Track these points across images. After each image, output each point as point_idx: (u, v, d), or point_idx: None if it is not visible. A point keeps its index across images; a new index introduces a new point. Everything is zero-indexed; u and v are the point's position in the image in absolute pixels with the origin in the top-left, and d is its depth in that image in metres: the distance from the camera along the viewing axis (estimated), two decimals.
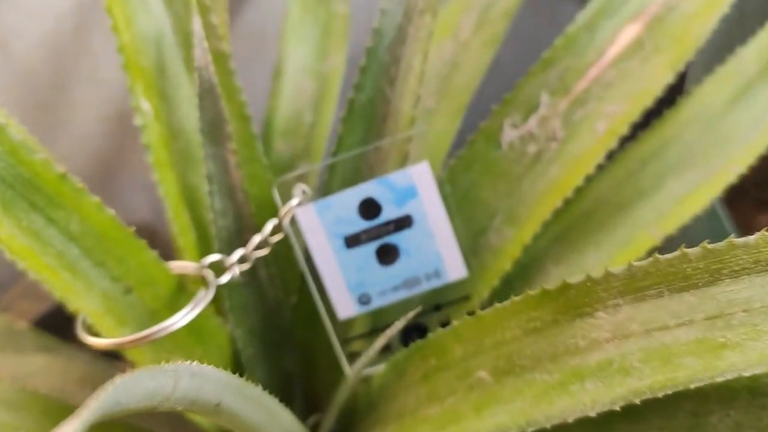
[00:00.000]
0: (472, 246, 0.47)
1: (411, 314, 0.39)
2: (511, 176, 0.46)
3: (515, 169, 0.46)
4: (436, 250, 0.44)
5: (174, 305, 0.43)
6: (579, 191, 0.46)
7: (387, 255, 0.44)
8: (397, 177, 0.42)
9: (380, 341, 0.42)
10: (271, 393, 0.49)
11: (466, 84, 0.59)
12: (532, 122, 0.46)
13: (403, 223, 0.43)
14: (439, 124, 0.59)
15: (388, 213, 0.43)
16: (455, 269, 0.44)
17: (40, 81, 0.73)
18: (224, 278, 0.41)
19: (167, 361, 0.43)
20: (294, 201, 0.42)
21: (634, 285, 0.31)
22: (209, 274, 0.41)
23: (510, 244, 0.46)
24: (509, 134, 0.47)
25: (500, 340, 0.35)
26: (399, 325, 0.40)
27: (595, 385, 0.30)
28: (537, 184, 0.46)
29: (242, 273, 0.43)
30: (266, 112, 0.57)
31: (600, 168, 0.46)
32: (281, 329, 0.48)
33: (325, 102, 0.58)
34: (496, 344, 0.36)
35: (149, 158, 0.45)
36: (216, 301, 0.49)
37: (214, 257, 0.41)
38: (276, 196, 0.42)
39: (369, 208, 0.43)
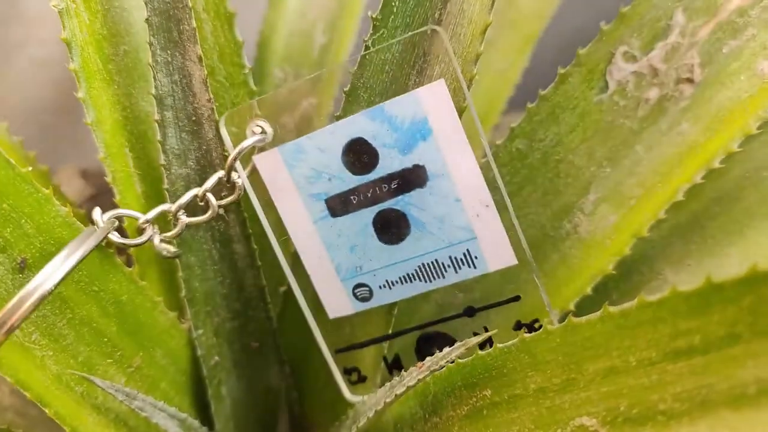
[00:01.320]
0: (552, 232, 0.32)
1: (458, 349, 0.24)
2: (618, 133, 0.31)
3: (625, 122, 0.31)
4: (466, 223, 0.29)
5: None
6: (722, 162, 0.30)
7: (390, 228, 0.30)
8: (398, 105, 0.27)
9: (400, 384, 0.27)
10: (244, 418, 0.35)
11: (536, 8, 0.45)
12: (657, 53, 0.31)
13: (412, 178, 0.28)
14: (497, 61, 0.44)
15: (388, 162, 0.28)
16: (499, 254, 0.29)
17: None
18: (139, 239, 0.27)
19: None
20: (247, 142, 0.27)
21: None
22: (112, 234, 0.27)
23: (611, 233, 0.31)
24: (622, 69, 0.31)
25: (617, 368, 0.24)
26: (446, 356, 0.25)
27: None
28: (658, 146, 0.31)
29: (207, 246, 0.28)
30: (262, 28, 0.42)
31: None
32: (262, 329, 0.37)
33: (345, 19, 0.43)
34: (607, 373, 0.24)
35: (72, 63, 0.29)
36: (171, 290, 0.34)
37: (127, 212, 0.27)
38: (224, 134, 0.27)
39: (359, 155, 0.28)
